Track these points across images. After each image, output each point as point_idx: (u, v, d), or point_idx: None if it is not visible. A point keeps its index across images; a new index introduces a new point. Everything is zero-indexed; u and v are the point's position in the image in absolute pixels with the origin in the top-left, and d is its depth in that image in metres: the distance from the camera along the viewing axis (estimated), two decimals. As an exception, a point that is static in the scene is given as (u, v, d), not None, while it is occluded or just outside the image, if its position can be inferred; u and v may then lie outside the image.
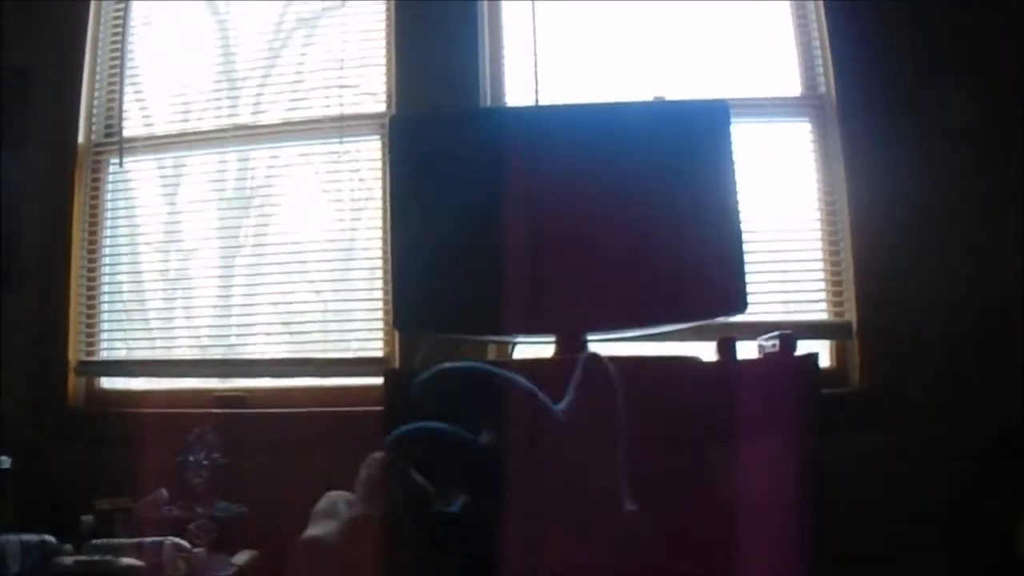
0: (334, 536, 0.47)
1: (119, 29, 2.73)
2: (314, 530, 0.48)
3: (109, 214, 2.69)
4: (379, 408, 1.75)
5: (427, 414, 0.50)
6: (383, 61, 2.59)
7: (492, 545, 0.50)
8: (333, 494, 0.50)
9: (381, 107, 2.57)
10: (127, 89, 2.71)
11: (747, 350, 1.86)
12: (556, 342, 1.86)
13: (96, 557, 1.80)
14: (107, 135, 2.70)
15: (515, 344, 2.15)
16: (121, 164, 2.66)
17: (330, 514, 0.49)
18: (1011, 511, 1.96)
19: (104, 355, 2.65)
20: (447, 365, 0.52)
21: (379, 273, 2.50)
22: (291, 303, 2.62)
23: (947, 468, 2.11)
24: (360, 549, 0.45)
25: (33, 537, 1.81)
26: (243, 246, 2.67)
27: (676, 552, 1.67)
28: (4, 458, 2.07)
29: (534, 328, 1.91)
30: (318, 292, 2.61)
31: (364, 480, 0.48)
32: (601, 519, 0.50)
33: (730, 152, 1.90)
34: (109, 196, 2.70)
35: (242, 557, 1.98)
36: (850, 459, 2.06)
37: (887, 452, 2.18)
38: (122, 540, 1.87)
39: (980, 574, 2.01)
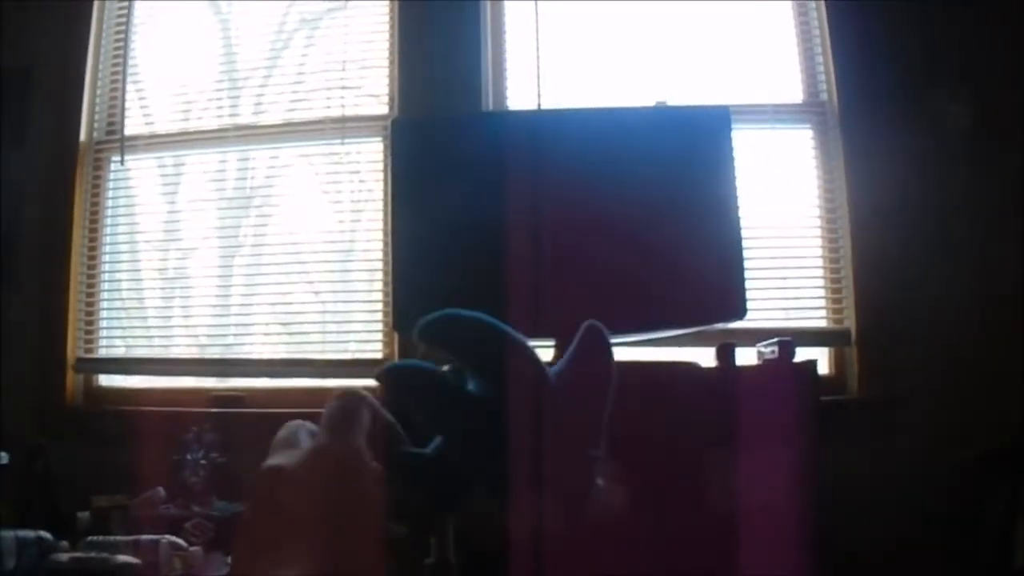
0: (295, 465, 0.46)
1: (122, 27, 2.72)
2: (275, 459, 0.47)
3: (109, 212, 2.69)
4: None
5: (425, 356, 0.50)
6: (386, 63, 2.59)
7: (461, 494, 0.49)
8: (294, 423, 0.49)
9: (383, 109, 2.57)
10: (129, 87, 2.71)
11: (746, 356, 1.86)
12: (556, 346, 1.86)
13: (92, 554, 1.79)
14: (108, 133, 2.70)
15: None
16: (122, 162, 2.66)
17: (291, 443, 0.48)
18: (1009, 519, 1.96)
19: (103, 352, 2.65)
20: (451, 310, 0.51)
21: (379, 275, 2.50)
22: (290, 303, 2.62)
23: (945, 476, 2.11)
24: (321, 479, 0.45)
25: (30, 533, 1.80)
26: (242, 245, 2.67)
27: (675, 558, 1.67)
28: (2, 454, 2.07)
29: (534, 332, 1.90)
30: (317, 293, 2.61)
31: (329, 412, 0.47)
32: (577, 488, 0.50)
33: (731, 158, 1.90)
34: (110, 194, 2.70)
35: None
36: (848, 466, 2.06)
37: (885, 460, 2.18)
38: (118, 538, 1.86)
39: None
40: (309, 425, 0.49)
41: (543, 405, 0.50)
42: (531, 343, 0.52)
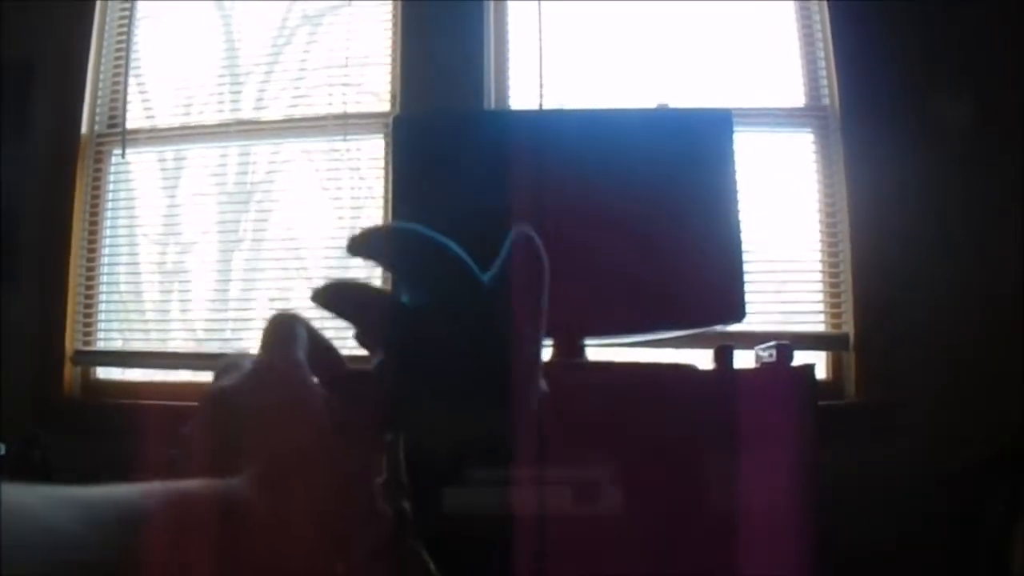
0: (236, 383, 0.46)
1: (124, 21, 2.72)
2: (217, 383, 0.48)
3: (110, 205, 2.69)
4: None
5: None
6: (388, 60, 2.59)
7: (407, 408, 0.49)
8: (233, 354, 0.49)
9: (385, 106, 2.57)
10: (130, 81, 2.71)
11: (744, 359, 1.86)
12: (554, 346, 1.86)
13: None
14: (110, 126, 2.70)
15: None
16: (123, 155, 2.66)
17: (231, 369, 0.48)
18: (1009, 522, 1.96)
19: (101, 345, 2.65)
20: (379, 224, 0.52)
21: (379, 272, 2.50)
22: (289, 300, 2.62)
23: (944, 480, 2.11)
24: (262, 392, 0.45)
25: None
26: (242, 240, 2.67)
27: (672, 560, 1.67)
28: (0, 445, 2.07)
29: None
30: (316, 289, 2.61)
31: (265, 332, 0.47)
32: (516, 395, 0.50)
33: (732, 161, 1.90)
34: (110, 187, 2.70)
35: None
36: (845, 471, 2.06)
37: (882, 465, 2.18)
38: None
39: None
40: (249, 353, 0.49)
41: (479, 306, 0.50)
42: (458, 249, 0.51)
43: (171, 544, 0.37)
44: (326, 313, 0.50)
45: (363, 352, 0.52)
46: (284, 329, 0.48)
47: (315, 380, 0.47)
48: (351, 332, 0.51)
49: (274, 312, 0.49)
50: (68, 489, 0.36)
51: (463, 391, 0.49)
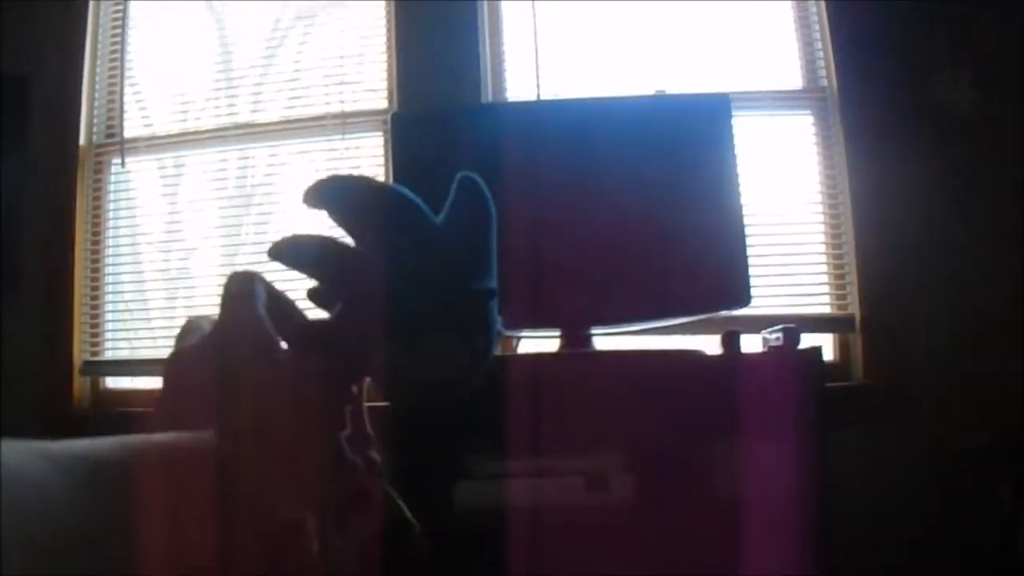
0: (199, 344, 0.47)
1: (118, 30, 2.73)
2: (179, 345, 0.48)
3: (111, 214, 2.70)
4: (385, 404, 1.75)
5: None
6: (384, 57, 2.59)
7: (367, 351, 0.49)
8: (193, 317, 0.50)
9: (383, 104, 2.57)
10: (127, 89, 2.71)
11: (751, 344, 1.86)
12: (561, 337, 1.86)
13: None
14: (108, 136, 2.70)
15: (520, 339, 2.15)
16: (123, 164, 2.67)
17: (193, 329, 0.49)
18: (1016, 505, 1.96)
19: (108, 355, 2.65)
20: (325, 178, 0.52)
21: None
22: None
23: (951, 462, 2.11)
24: (225, 350, 0.45)
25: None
26: (244, 244, 2.68)
27: (680, 545, 1.67)
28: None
29: (538, 323, 1.91)
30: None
31: (223, 293, 0.47)
32: (472, 322, 0.50)
33: (732, 145, 1.90)
34: (111, 196, 2.70)
35: None
36: (853, 453, 2.06)
37: (890, 446, 2.18)
38: None
39: (983, 568, 2.01)
40: (208, 316, 0.49)
41: (435, 243, 0.50)
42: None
43: (144, 494, 0.37)
44: (284, 269, 0.51)
45: (319, 310, 0.53)
46: (242, 286, 0.48)
47: (276, 335, 0.47)
48: (307, 287, 0.51)
49: (231, 272, 0.50)
50: (40, 442, 0.36)
51: (423, 329, 0.49)
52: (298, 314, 0.51)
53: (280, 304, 0.50)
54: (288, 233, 0.51)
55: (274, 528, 0.43)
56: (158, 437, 0.42)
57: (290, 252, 0.51)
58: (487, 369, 0.53)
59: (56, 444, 0.36)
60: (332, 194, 0.52)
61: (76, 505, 0.35)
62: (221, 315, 0.47)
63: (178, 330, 0.50)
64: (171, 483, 0.39)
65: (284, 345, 0.47)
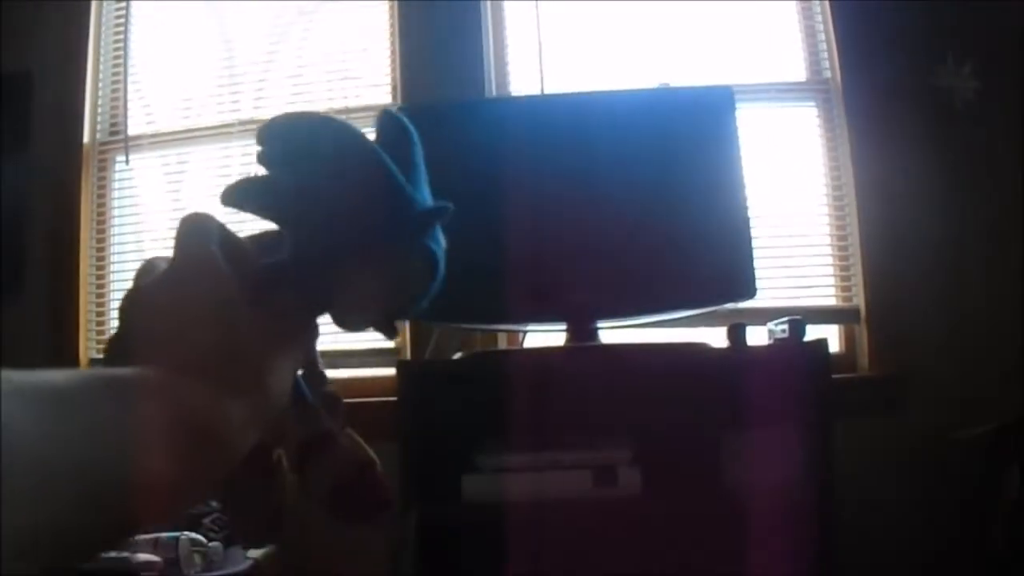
0: (156, 283, 0.47)
1: (121, 27, 2.73)
2: (136, 284, 0.49)
3: (116, 212, 2.70)
4: (391, 398, 1.76)
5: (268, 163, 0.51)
6: (387, 52, 2.59)
7: (322, 282, 0.50)
8: (152, 256, 0.50)
9: (386, 98, 2.57)
10: (130, 87, 2.71)
11: (757, 336, 1.86)
12: (567, 330, 1.86)
13: (112, 554, 1.80)
14: (112, 133, 2.71)
15: (526, 333, 2.15)
16: (127, 162, 2.67)
17: (150, 269, 0.49)
18: (1021, 493, 1.96)
19: (114, 352, 2.65)
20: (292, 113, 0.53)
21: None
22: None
23: (956, 452, 2.11)
24: (181, 285, 0.46)
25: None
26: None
27: (687, 536, 1.68)
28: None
29: (544, 317, 1.91)
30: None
31: (177, 233, 0.48)
32: (420, 254, 0.51)
33: (736, 138, 1.90)
34: (116, 194, 2.71)
35: (258, 550, 1.98)
36: (859, 444, 2.06)
37: (896, 436, 2.18)
38: (138, 536, 1.87)
39: (989, 558, 2.01)
40: (165, 255, 0.50)
41: (373, 165, 0.51)
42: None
43: (97, 424, 0.38)
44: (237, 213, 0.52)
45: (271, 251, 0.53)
46: (195, 226, 0.49)
47: (230, 273, 0.47)
48: (258, 229, 0.52)
49: (185, 213, 0.50)
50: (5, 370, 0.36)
51: (376, 255, 0.50)
52: (252, 254, 0.51)
53: (233, 244, 0.50)
54: (237, 178, 0.52)
55: (239, 462, 0.44)
56: (113, 371, 0.42)
57: (241, 195, 0.51)
58: (437, 288, 0.54)
59: (7, 372, 0.36)
60: (271, 131, 0.53)
61: (30, 427, 0.35)
62: (175, 255, 0.48)
63: (137, 268, 0.51)
64: (120, 413, 0.39)
65: (240, 283, 0.48)
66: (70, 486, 0.35)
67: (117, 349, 0.47)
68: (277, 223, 0.51)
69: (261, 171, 0.52)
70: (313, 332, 0.53)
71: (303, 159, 0.51)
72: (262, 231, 0.52)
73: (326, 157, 0.51)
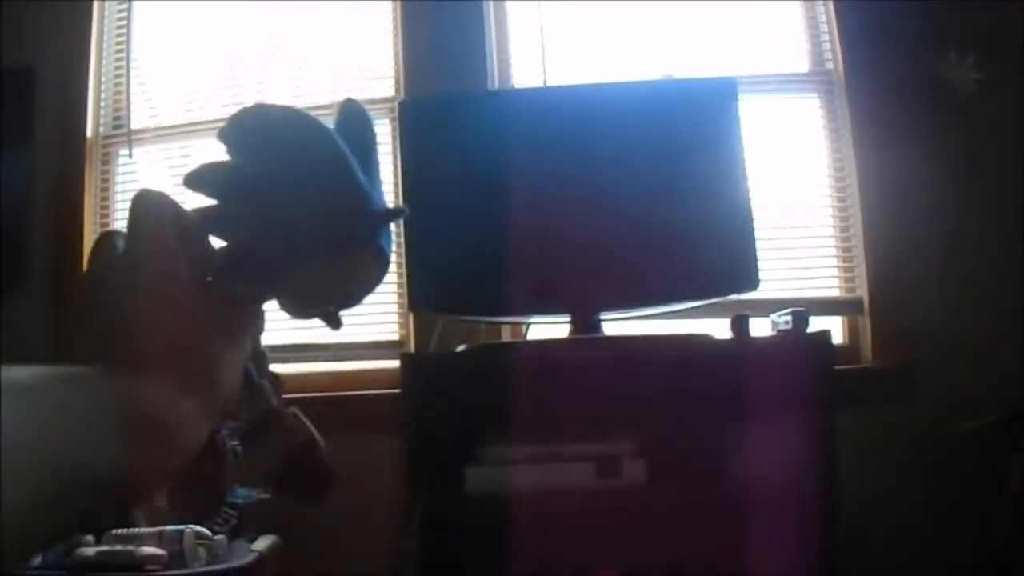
0: (105, 267, 0.48)
1: (124, 20, 2.72)
2: (91, 265, 0.49)
3: (120, 205, 2.70)
4: (395, 391, 1.76)
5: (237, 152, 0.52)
6: (391, 45, 2.58)
7: (277, 267, 0.51)
8: (107, 232, 0.51)
9: (390, 91, 2.57)
10: (133, 80, 2.71)
11: (760, 327, 1.86)
12: (571, 322, 1.86)
13: (117, 547, 1.81)
14: (115, 127, 2.71)
15: (530, 325, 2.15)
16: (130, 155, 2.67)
17: (104, 246, 0.50)
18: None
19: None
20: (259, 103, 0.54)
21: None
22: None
23: (960, 444, 2.11)
24: (136, 275, 0.46)
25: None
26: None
27: (690, 527, 1.68)
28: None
29: (548, 308, 1.92)
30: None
31: (130, 210, 0.49)
32: (369, 249, 0.52)
33: (739, 129, 1.90)
34: (119, 187, 2.71)
35: (262, 543, 1.99)
36: (862, 435, 2.06)
37: (899, 427, 2.18)
38: (142, 529, 1.88)
39: (993, 550, 2.01)
40: (119, 231, 0.50)
41: (333, 152, 0.52)
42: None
43: (59, 420, 0.38)
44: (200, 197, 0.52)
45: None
46: (148, 204, 0.49)
47: (182, 255, 0.48)
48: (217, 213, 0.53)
49: (138, 190, 0.50)
50: None
51: (327, 247, 0.51)
52: (205, 235, 0.52)
53: (187, 224, 0.50)
54: (200, 163, 0.53)
55: (191, 447, 0.45)
56: (74, 368, 0.43)
57: (202, 179, 0.52)
58: (381, 280, 0.55)
59: None
60: (240, 120, 0.53)
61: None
62: (128, 237, 0.48)
63: (92, 245, 0.51)
64: (80, 409, 0.40)
65: (193, 269, 0.48)
66: (29, 478, 0.35)
67: (81, 329, 0.47)
68: (236, 210, 0.51)
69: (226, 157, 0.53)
70: (262, 319, 0.54)
71: (267, 149, 0.52)
72: (209, 204, 0.53)
73: (290, 150, 0.51)
